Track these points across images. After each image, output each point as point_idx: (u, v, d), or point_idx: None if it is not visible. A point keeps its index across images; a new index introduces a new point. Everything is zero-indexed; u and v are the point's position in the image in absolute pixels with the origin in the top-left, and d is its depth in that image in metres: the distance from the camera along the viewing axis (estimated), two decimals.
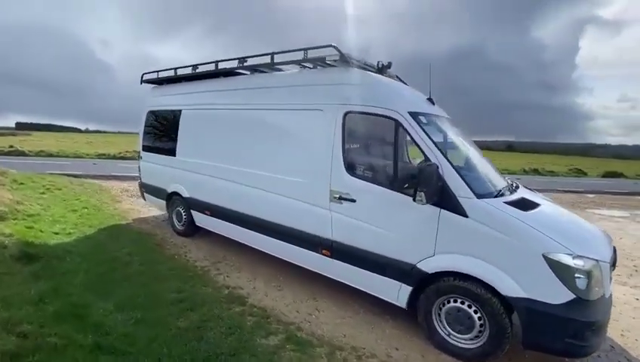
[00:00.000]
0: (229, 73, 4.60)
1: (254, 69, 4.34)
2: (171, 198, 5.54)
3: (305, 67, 3.86)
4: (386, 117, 2.99)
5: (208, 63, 4.76)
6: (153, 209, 6.98)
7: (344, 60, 3.31)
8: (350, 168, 3.20)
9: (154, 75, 5.69)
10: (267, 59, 3.80)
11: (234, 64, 4.30)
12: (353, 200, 3.14)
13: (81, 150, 18.61)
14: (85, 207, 6.69)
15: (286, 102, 3.78)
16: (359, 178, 3.14)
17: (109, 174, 10.93)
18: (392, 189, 2.90)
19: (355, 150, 3.46)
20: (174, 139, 5.32)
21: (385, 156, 3.43)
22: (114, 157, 16.36)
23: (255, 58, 4.11)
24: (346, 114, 3.21)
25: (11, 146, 16.58)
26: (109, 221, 5.95)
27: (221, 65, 4.53)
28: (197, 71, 4.94)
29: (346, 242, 3.24)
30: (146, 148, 6.04)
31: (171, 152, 5.37)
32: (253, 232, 4.19)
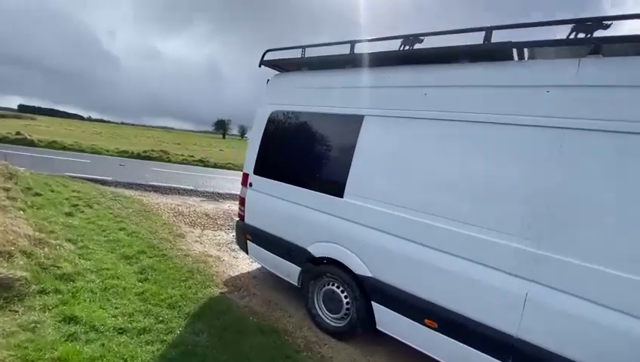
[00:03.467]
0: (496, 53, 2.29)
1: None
2: (316, 266, 3.15)
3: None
4: None
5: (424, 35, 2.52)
6: (239, 255, 4.57)
7: None
8: None
9: (282, 54, 3.39)
10: None
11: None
12: None
13: (97, 143, 16.17)
14: (141, 249, 4.24)
15: None
16: None
17: (146, 183, 8.49)
18: None
19: None
20: (340, 166, 2.95)
21: None
22: (139, 157, 13.91)
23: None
24: None
25: (18, 133, 14.13)
26: (192, 288, 3.49)
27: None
28: (413, 47, 2.61)
29: None
30: (262, 171, 3.66)
31: (328, 187, 3.01)
32: None
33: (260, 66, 3.75)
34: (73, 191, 6.66)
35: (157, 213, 6.14)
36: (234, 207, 7.61)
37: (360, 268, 2.78)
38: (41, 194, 5.86)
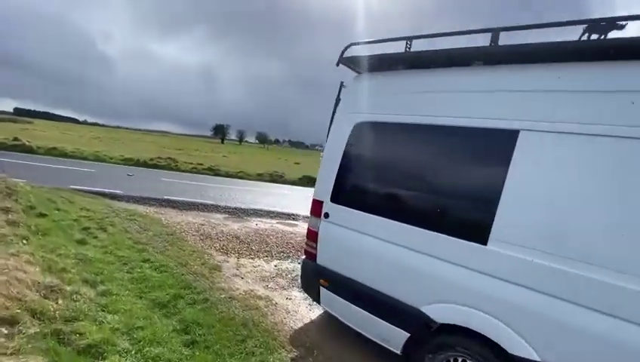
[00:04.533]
0: None
1: None
2: (437, 336, 2.31)
3: None
4: None
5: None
6: (291, 293, 3.74)
7: None
8: None
9: (365, 48, 2.62)
10: None
11: None
12: None
13: (99, 149, 15.25)
14: (177, 293, 3.36)
15: None
16: None
17: (160, 198, 7.60)
18: None
19: None
20: (479, 200, 2.15)
21: None
22: (146, 165, 13.01)
23: None
24: None
25: (16, 139, 13.19)
26: (256, 355, 2.62)
27: None
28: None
29: None
30: (344, 199, 2.84)
31: (459, 228, 2.20)
32: None
33: (337, 65, 2.95)
34: (82, 208, 5.79)
35: (181, 237, 5.27)
36: (262, 225, 6.78)
37: (518, 347, 1.96)
38: (46, 215, 4.97)
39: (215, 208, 7.53)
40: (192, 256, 4.56)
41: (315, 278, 3.00)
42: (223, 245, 5.22)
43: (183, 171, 13.16)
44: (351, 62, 2.89)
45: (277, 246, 5.50)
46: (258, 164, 22.56)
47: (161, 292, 3.35)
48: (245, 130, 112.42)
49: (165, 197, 7.70)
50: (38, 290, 2.69)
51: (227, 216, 7.19)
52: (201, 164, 14.39)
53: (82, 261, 3.72)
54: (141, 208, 6.71)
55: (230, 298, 3.51)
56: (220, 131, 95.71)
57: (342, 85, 3.15)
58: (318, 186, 3.03)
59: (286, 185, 13.61)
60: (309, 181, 14.62)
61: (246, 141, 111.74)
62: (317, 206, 3.01)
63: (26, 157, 11.18)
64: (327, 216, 2.92)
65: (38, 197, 5.87)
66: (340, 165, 2.87)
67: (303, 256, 3.16)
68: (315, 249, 2.99)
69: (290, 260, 5.02)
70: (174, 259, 4.29)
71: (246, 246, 5.30)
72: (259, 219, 7.25)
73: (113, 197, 7.15)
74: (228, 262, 4.63)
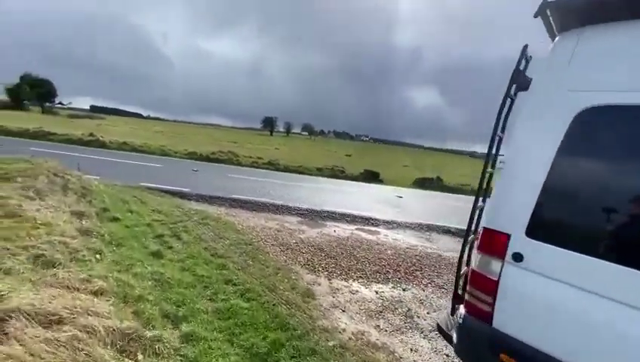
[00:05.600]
0: None
1: None
2: None
3: None
4: None
5: None
6: (415, 340, 2.74)
7: None
8: None
9: None
10: None
11: None
12: None
13: (164, 144, 15.62)
14: (276, 339, 2.55)
15: None
16: None
17: (228, 197, 7.07)
18: None
19: None
20: None
21: None
22: (208, 159, 12.90)
23: None
24: None
25: (91, 135, 13.89)
26: None
27: None
28: None
29: None
30: (560, 235, 1.73)
31: None
32: None
33: (535, 17, 1.85)
34: (153, 210, 5.37)
35: (260, 247, 4.56)
36: (340, 231, 5.90)
37: None
38: (119, 219, 4.56)
39: (286, 210, 6.81)
40: (278, 274, 3.80)
41: (492, 352, 1.96)
42: (308, 259, 4.41)
43: (244, 166, 12.83)
44: (567, 9, 1.76)
45: (369, 263, 4.56)
46: (311, 157, 21.93)
47: (256, 336, 2.57)
48: (292, 122, 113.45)
49: (234, 196, 7.15)
50: (114, 342, 2.03)
51: (300, 219, 6.43)
52: (261, 158, 14.00)
53: (159, 282, 3.10)
54: (211, 209, 6.20)
55: (342, 347, 2.64)
56: (268, 123, 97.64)
57: (525, 52, 2.04)
58: (496, 209, 1.97)
59: (348, 182, 12.66)
60: (371, 177, 13.52)
61: (293, 132, 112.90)
62: (494, 240, 1.95)
63: (100, 152, 11.57)
64: (518, 258, 1.86)
65: (112, 197, 5.58)
66: (547, 179, 1.78)
67: (464, 311, 2.14)
68: (492, 306, 1.95)
69: (390, 284, 4.05)
70: (259, 280, 3.55)
71: (334, 262, 4.43)
72: (335, 223, 6.39)
73: (182, 196, 6.76)
74: (319, 284, 3.79)
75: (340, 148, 51.24)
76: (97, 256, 3.32)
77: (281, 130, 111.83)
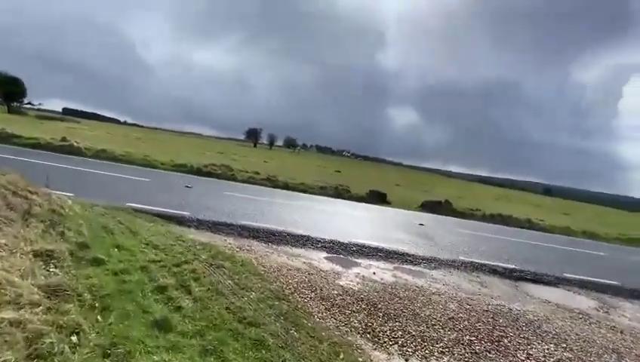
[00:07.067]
0: None
1: None
2: None
3: None
4: None
5: None
6: None
7: None
8: None
9: None
10: None
11: None
12: None
13: (147, 153, 14.05)
14: None
15: None
16: None
17: (236, 223, 5.82)
18: None
19: None
20: None
21: None
22: (200, 173, 11.49)
23: None
24: None
25: (64, 139, 12.20)
26: None
27: None
28: None
29: None
30: None
31: None
32: None
33: None
34: (147, 244, 4.10)
35: (298, 304, 3.39)
36: (382, 274, 4.81)
37: None
38: (103, 261, 3.28)
39: (307, 241, 5.65)
40: (340, 356, 2.65)
41: None
42: (365, 323, 3.28)
43: (240, 181, 11.53)
44: None
45: (441, 327, 3.49)
46: (301, 171, 20.84)
47: None
48: (277, 135, 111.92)
49: (242, 222, 5.91)
50: None
51: (327, 255, 5.29)
52: (258, 173, 12.73)
53: None
54: (219, 240, 4.96)
55: None
56: (252, 135, 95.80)
57: None
58: None
59: (355, 203, 11.64)
60: (377, 198, 12.57)
61: (276, 145, 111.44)
62: None
63: (74, 161, 9.97)
64: None
65: (90, 222, 4.27)
66: None
67: None
68: None
69: None
70: None
71: (399, 327, 3.32)
72: (369, 261, 5.29)
73: (180, 221, 5.47)
74: None
75: (326, 163, 50.48)
76: (73, 339, 2.08)
77: (264, 142, 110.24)
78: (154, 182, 8.56)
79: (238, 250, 4.72)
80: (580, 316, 4.58)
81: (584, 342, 3.80)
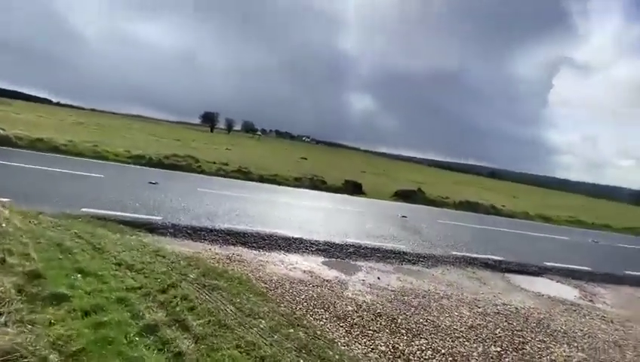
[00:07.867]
0: None
1: None
2: None
3: None
4: None
5: None
6: None
7: None
8: None
9: None
10: None
11: None
12: None
13: (94, 140, 12.34)
14: None
15: None
16: None
17: (217, 228, 5.13)
18: None
19: None
20: None
21: None
22: (162, 165, 10.29)
23: None
24: None
25: None
26: None
27: None
28: None
29: None
30: None
31: None
32: None
33: None
34: (119, 264, 3.35)
35: (316, 330, 2.94)
36: (387, 279, 4.52)
37: None
38: (66, 298, 2.54)
39: (301, 245, 5.17)
40: None
41: None
42: (392, 344, 2.93)
43: (208, 174, 10.56)
44: None
45: (466, 340, 3.27)
46: (270, 161, 20.04)
47: None
48: (236, 120, 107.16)
49: (225, 226, 5.24)
50: None
51: (325, 259, 4.87)
52: (227, 164, 11.77)
53: None
54: (203, 250, 4.29)
55: None
56: (209, 119, 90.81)
57: None
58: None
59: (332, 194, 11.28)
60: (353, 188, 12.34)
61: (234, 130, 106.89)
62: None
63: (4, 153, 8.33)
64: None
65: (39, 238, 3.42)
66: None
67: None
68: None
69: None
70: None
71: (425, 344, 3.03)
72: (370, 264, 4.98)
73: (152, 228, 4.67)
74: None
75: (289, 149, 49.55)
76: None
77: (222, 126, 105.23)
78: (110, 179, 7.40)
79: (228, 261, 4.11)
80: (573, 308, 4.69)
81: (589, 337, 3.85)
